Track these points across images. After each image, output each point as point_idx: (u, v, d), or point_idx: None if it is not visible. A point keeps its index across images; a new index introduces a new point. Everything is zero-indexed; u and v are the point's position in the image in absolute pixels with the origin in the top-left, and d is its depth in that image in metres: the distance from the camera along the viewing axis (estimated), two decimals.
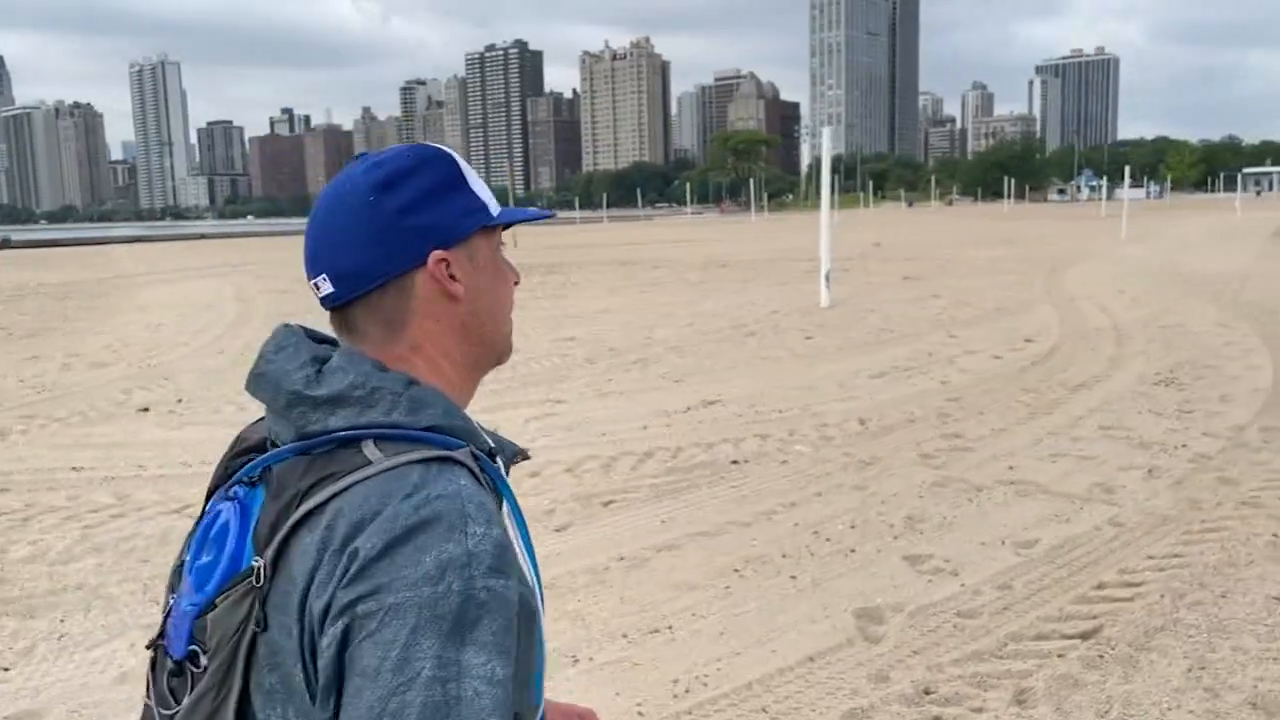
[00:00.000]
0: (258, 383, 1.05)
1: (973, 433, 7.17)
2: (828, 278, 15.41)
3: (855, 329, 12.79)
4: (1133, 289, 16.96)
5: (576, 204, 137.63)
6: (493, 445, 1.07)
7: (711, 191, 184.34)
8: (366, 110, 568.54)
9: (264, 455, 1.03)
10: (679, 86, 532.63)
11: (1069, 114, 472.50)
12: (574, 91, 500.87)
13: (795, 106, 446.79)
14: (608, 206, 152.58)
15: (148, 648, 1.10)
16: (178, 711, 1.01)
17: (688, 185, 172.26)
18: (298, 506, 0.95)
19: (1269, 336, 11.24)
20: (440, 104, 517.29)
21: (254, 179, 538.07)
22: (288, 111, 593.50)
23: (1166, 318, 13.09)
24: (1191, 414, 7.54)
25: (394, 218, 1.04)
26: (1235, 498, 5.50)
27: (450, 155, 1.10)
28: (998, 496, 5.67)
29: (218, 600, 0.98)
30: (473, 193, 1.10)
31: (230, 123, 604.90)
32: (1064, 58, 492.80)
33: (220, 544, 1.01)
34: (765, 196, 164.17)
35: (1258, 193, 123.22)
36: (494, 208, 1.11)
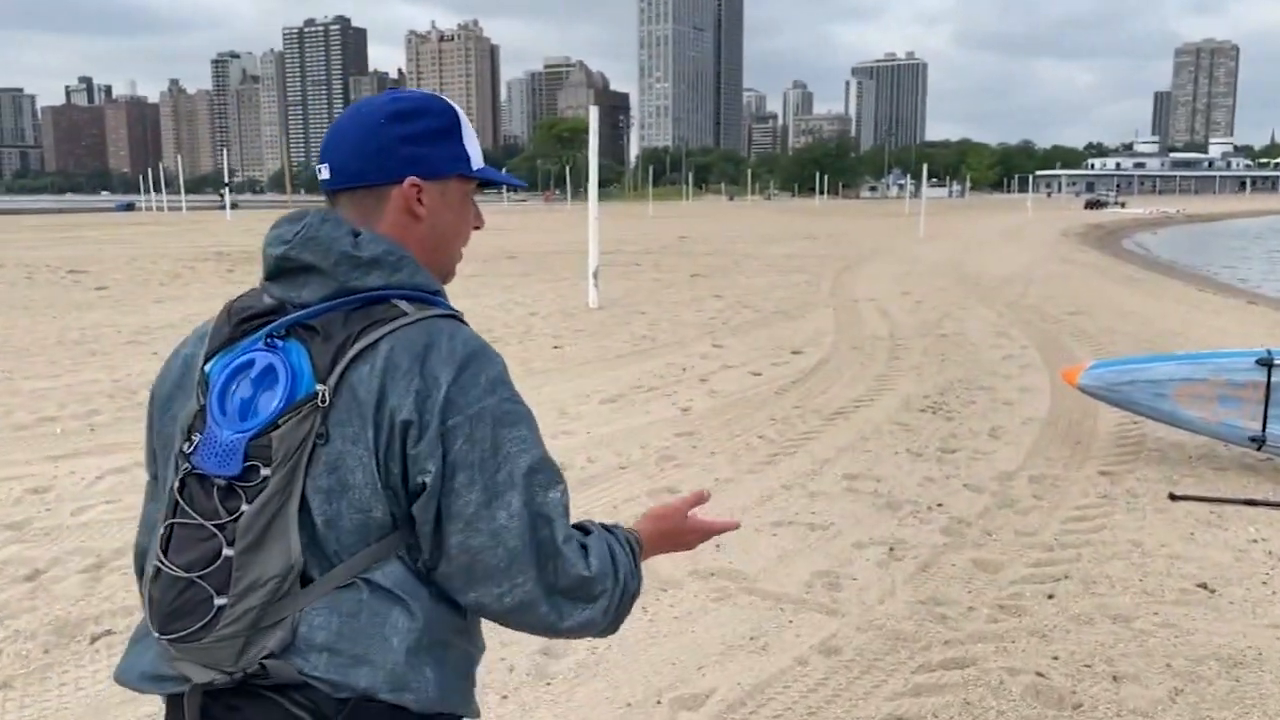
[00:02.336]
0: (306, 245, 1.29)
1: (692, 484, 5.61)
2: (595, 277, 13.79)
3: (615, 336, 11.21)
4: (919, 290, 16.18)
5: None
6: (461, 316, 1.38)
7: (540, 179, 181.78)
8: (174, 82, 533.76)
9: (289, 315, 1.28)
10: (509, 72, 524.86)
11: (882, 115, 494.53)
12: (399, 72, 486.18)
13: (625, 97, 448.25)
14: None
15: (179, 481, 1.27)
16: (238, 517, 1.22)
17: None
18: (353, 344, 1.24)
19: (1046, 347, 10.34)
20: (256, 79, 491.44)
21: (46, 151, 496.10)
22: (86, 80, 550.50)
23: (947, 324, 12.15)
24: (955, 455, 6.26)
25: (395, 143, 1.34)
26: (991, 597, 4.11)
27: (455, 111, 1.40)
28: (684, 602, 4.08)
29: (280, 421, 1.22)
30: (463, 145, 1.40)
31: (20, 90, 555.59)
32: (878, 61, 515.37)
33: (268, 382, 1.24)
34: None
35: (1048, 194, 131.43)
36: (476, 163, 1.41)
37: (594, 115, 13.29)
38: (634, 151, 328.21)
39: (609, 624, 1.36)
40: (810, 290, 16.38)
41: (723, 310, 13.63)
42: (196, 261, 21.20)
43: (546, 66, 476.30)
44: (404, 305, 1.28)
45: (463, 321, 1.33)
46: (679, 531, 1.55)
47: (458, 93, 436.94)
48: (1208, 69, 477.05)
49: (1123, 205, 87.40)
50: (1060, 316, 12.70)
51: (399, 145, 1.33)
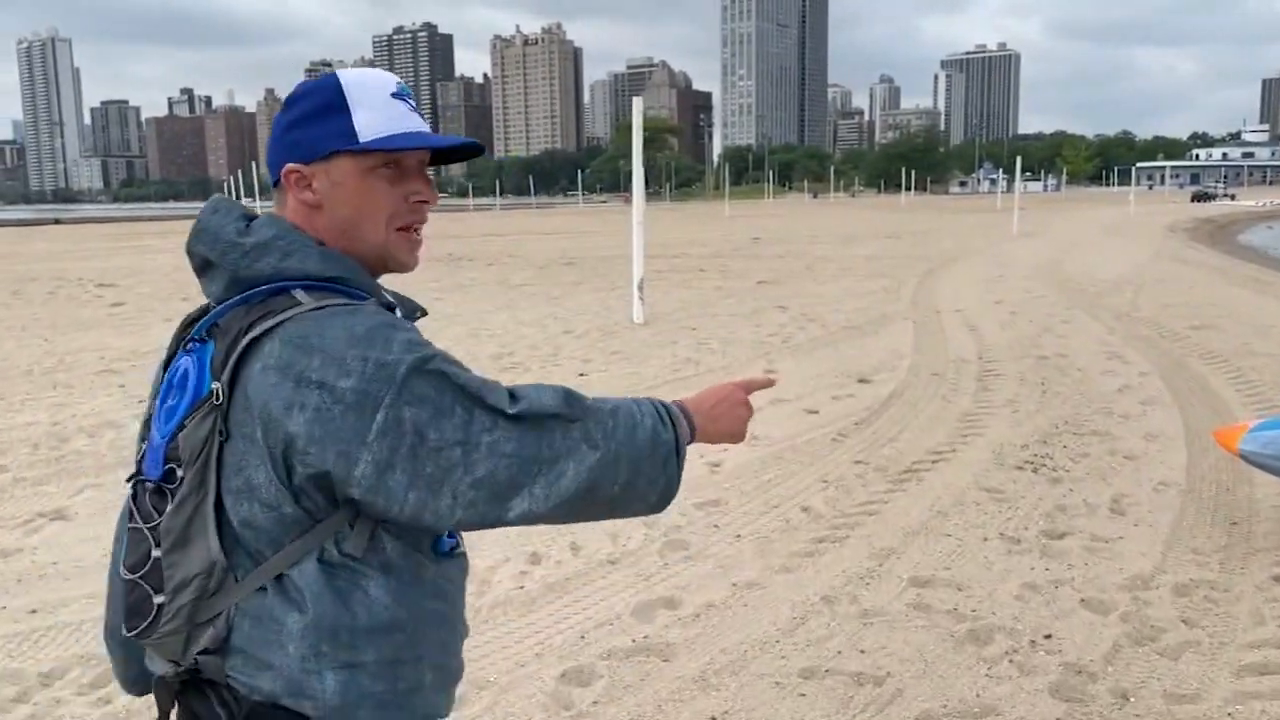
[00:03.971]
0: (198, 238, 1.29)
1: (698, 594, 4.15)
2: (641, 289, 12.35)
3: (654, 360, 9.75)
4: (1012, 298, 14.32)
5: (498, 189, 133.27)
6: (391, 300, 1.32)
7: (622, 180, 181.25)
8: (270, 92, 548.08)
9: (207, 315, 1.27)
10: (591, 74, 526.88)
11: (972, 108, 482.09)
12: (485, 76, 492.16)
13: (707, 96, 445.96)
14: (531, 193, 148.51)
15: (127, 481, 1.34)
16: (161, 520, 1.24)
17: (580, 173, 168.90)
18: (243, 338, 1.19)
19: (1171, 375, 8.54)
20: None
21: (151, 161, 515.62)
22: (187, 92, 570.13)
23: (1046, 342, 10.37)
24: (1065, 542, 4.64)
25: (280, 132, 1.31)
26: None
27: (337, 86, 1.29)
28: None
29: (186, 422, 1.22)
30: (346, 119, 1.28)
31: (126, 103, 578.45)
32: (968, 53, 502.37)
33: (184, 386, 1.25)
34: (672, 185, 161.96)
35: (1149, 187, 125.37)
36: (370, 134, 1.27)
37: (637, 107, 11.91)
38: (717, 150, 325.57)
39: (627, 466, 1.27)
40: (888, 299, 14.66)
41: (785, 325, 12.05)
42: None
43: (629, 67, 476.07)
44: (300, 295, 1.22)
45: (388, 308, 1.29)
46: (718, 389, 1.45)
47: (541, 96, 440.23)
48: None
49: (1232, 197, 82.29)
50: (1183, 332, 10.79)
51: (283, 135, 1.31)
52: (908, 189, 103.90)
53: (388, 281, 1.39)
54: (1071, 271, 18.63)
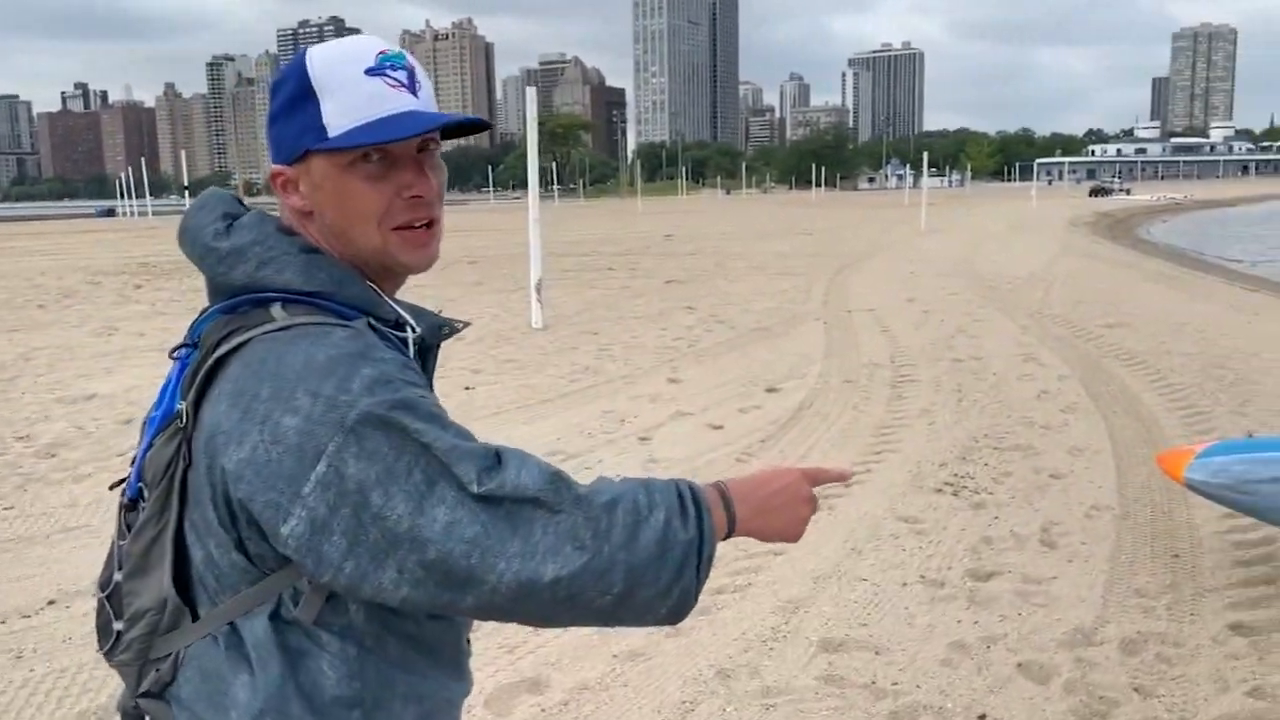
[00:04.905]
0: (181, 239, 1.18)
1: (562, 684, 3.46)
2: (539, 291, 11.60)
3: (549, 369, 9.03)
4: (924, 295, 13.97)
5: None
6: (404, 317, 1.16)
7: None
8: (170, 86, 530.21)
9: (199, 320, 1.16)
10: (504, 69, 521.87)
11: (879, 105, 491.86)
12: None
13: (621, 92, 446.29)
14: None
15: (111, 488, 1.25)
16: (125, 542, 1.15)
17: (491, 169, 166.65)
18: (210, 355, 1.07)
19: (1091, 378, 8.14)
20: (251, 81, 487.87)
21: (44, 158, 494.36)
22: (82, 86, 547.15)
23: (960, 343, 9.96)
24: (993, 585, 4.07)
25: (267, 129, 1.17)
26: None
27: (299, 70, 1.11)
28: None
29: (155, 441, 1.13)
30: (315, 111, 1.10)
31: (16, 98, 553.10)
32: (874, 51, 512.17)
33: (163, 398, 1.16)
34: (587, 182, 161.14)
35: (1049, 182, 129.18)
36: (336, 129, 1.09)
37: (530, 97, 11.13)
38: (631, 146, 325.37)
39: (613, 573, 1.03)
40: (799, 298, 14.19)
41: (692, 328, 11.44)
42: (110, 275, 18.98)
43: (542, 63, 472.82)
44: (276, 311, 1.09)
45: (362, 328, 1.10)
46: (781, 476, 1.21)
47: (453, 91, 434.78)
48: (1205, 53, 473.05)
49: (1128, 192, 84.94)
50: (1097, 331, 10.49)
51: (268, 133, 1.17)
52: (818, 185, 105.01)
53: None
54: (982, 268, 18.47)
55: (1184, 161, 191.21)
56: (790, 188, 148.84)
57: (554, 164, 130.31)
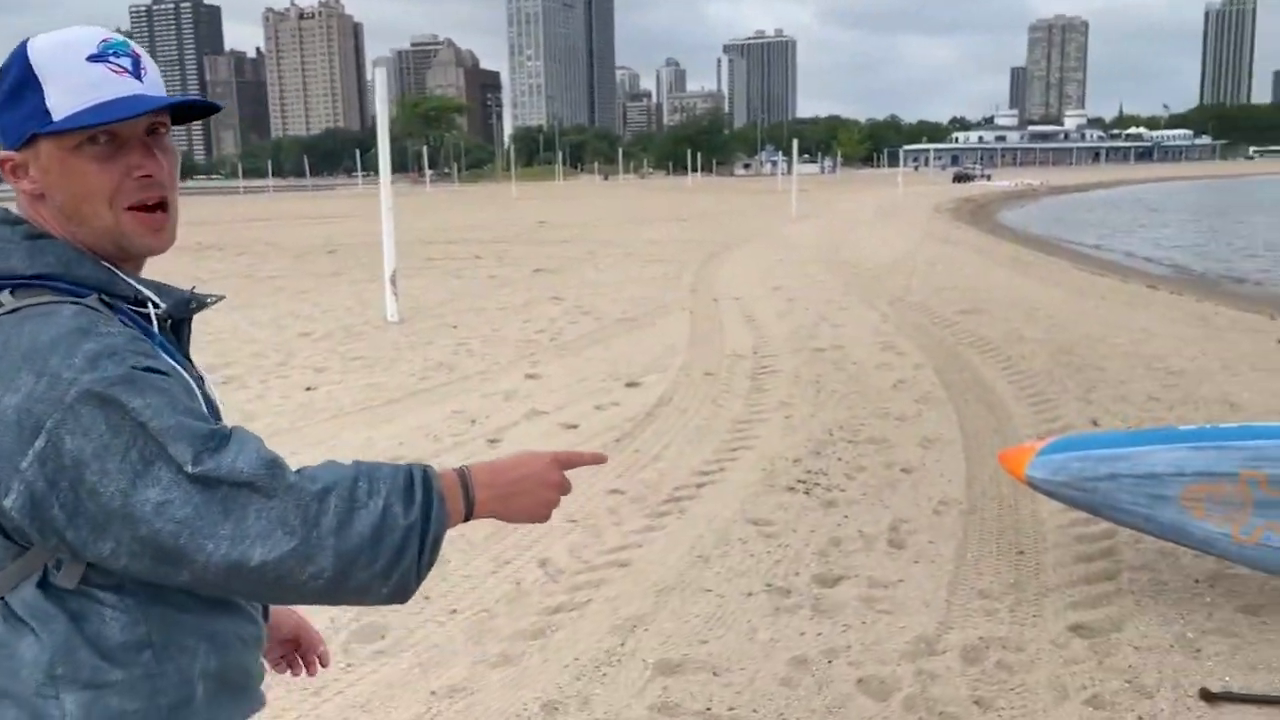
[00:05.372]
0: None
1: None
2: (394, 282, 11.12)
3: (401, 365, 8.61)
4: (790, 283, 14.03)
5: (274, 170, 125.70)
6: (144, 293, 1.18)
7: (410, 160, 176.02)
8: None
9: None
10: (374, 50, 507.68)
11: (754, 91, 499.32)
12: (258, 51, 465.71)
13: (496, 76, 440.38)
14: (308, 174, 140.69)
15: None
16: None
17: (361, 153, 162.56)
18: None
19: (945, 367, 8.21)
20: None
21: None
22: None
23: (823, 332, 9.96)
24: (839, 591, 3.94)
25: None
26: None
27: (21, 59, 1.14)
28: None
29: None
30: (39, 97, 1.12)
31: None
32: (748, 38, 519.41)
33: None
34: (462, 166, 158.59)
35: (915, 168, 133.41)
36: (60, 112, 1.12)
37: (380, 78, 10.59)
38: (508, 131, 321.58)
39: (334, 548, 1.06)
40: (668, 286, 14.06)
41: (556, 319, 11.15)
42: None
43: (414, 45, 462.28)
44: (4, 296, 1.12)
45: (93, 303, 1.12)
46: (528, 461, 1.26)
47: (320, 72, 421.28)
48: (1060, 44, 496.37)
49: (988, 178, 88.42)
50: (953, 318, 10.66)
51: None
52: (694, 170, 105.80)
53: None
54: (848, 254, 18.73)
55: (1040, 148, 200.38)
56: (668, 173, 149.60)
57: (426, 147, 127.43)
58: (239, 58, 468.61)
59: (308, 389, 7.66)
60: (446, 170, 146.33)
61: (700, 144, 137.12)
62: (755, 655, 3.44)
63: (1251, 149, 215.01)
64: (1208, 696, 3.07)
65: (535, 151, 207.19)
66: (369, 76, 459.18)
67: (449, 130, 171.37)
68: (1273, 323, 10.87)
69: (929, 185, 73.21)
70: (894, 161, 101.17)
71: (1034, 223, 36.05)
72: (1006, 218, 39.12)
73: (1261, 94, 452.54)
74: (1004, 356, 8.51)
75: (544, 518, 1.27)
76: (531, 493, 1.24)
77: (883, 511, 4.85)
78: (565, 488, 1.28)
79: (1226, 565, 3.88)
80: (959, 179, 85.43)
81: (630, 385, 7.74)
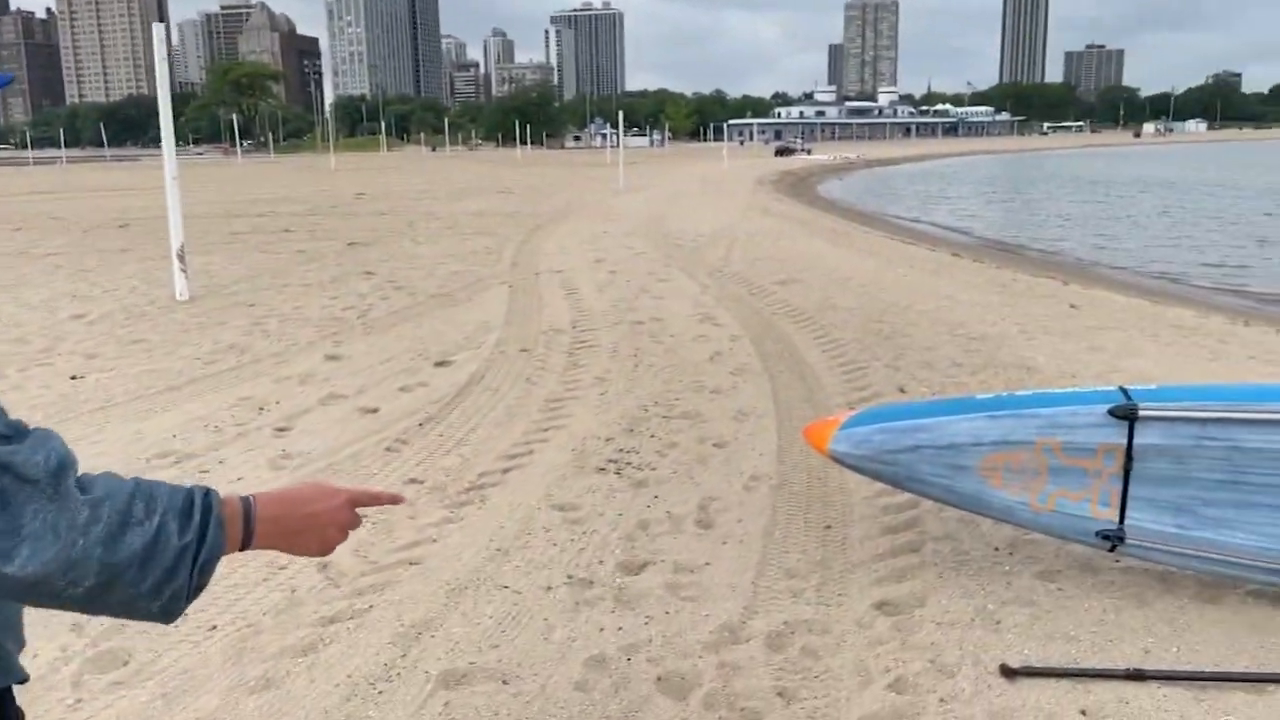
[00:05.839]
0: None
1: None
2: (182, 259, 10.22)
3: (187, 348, 7.88)
4: (613, 256, 13.84)
5: (67, 141, 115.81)
6: None
7: (223, 130, 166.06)
8: None
9: None
10: (179, 12, 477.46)
11: (583, 64, 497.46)
12: (49, 11, 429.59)
13: (314, 42, 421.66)
14: (106, 144, 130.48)
15: None
16: None
17: (161, 123, 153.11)
18: None
19: (762, 337, 8.18)
20: None
21: None
22: None
23: (643, 304, 9.80)
24: (643, 579, 3.72)
25: None
26: None
27: None
28: None
29: None
30: None
31: None
32: (575, 10, 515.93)
33: None
34: (280, 136, 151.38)
35: (741, 142, 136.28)
36: None
37: (158, 33, 9.66)
38: (328, 100, 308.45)
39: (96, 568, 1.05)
40: (489, 260, 13.60)
41: (366, 296, 10.56)
42: None
43: (224, 8, 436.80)
44: None
45: None
46: (319, 498, 1.25)
47: (120, 35, 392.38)
48: (873, 22, 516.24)
49: (809, 152, 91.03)
50: (771, 288, 10.70)
51: None
52: (525, 143, 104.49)
53: None
54: (672, 227, 18.70)
55: (857, 124, 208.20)
56: (497, 145, 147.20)
57: (239, 116, 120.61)
58: (27, 18, 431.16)
59: (73, 377, 6.87)
60: (262, 140, 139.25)
61: (530, 116, 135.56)
62: (550, 658, 3.17)
63: (1045, 125, 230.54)
64: (1007, 672, 3.01)
65: (358, 122, 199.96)
66: (175, 41, 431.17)
67: (264, 98, 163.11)
68: (1065, 288, 11.45)
69: (753, 159, 74.75)
70: (720, 135, 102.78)
71: (851, 195, 37.27)
72: (826, 190, 40.29)
73: (1054, 73, 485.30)
74: (818, 326, 8.55)
75: (325, 554, 1.26)
76: (318, 531, 1.24)
77: (693, 490, 4.68)
78: (354, 525, 1.28)
79: (1024, 531, 3.88)
80: (781, 153, 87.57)
81: (440, 364, 7.33)
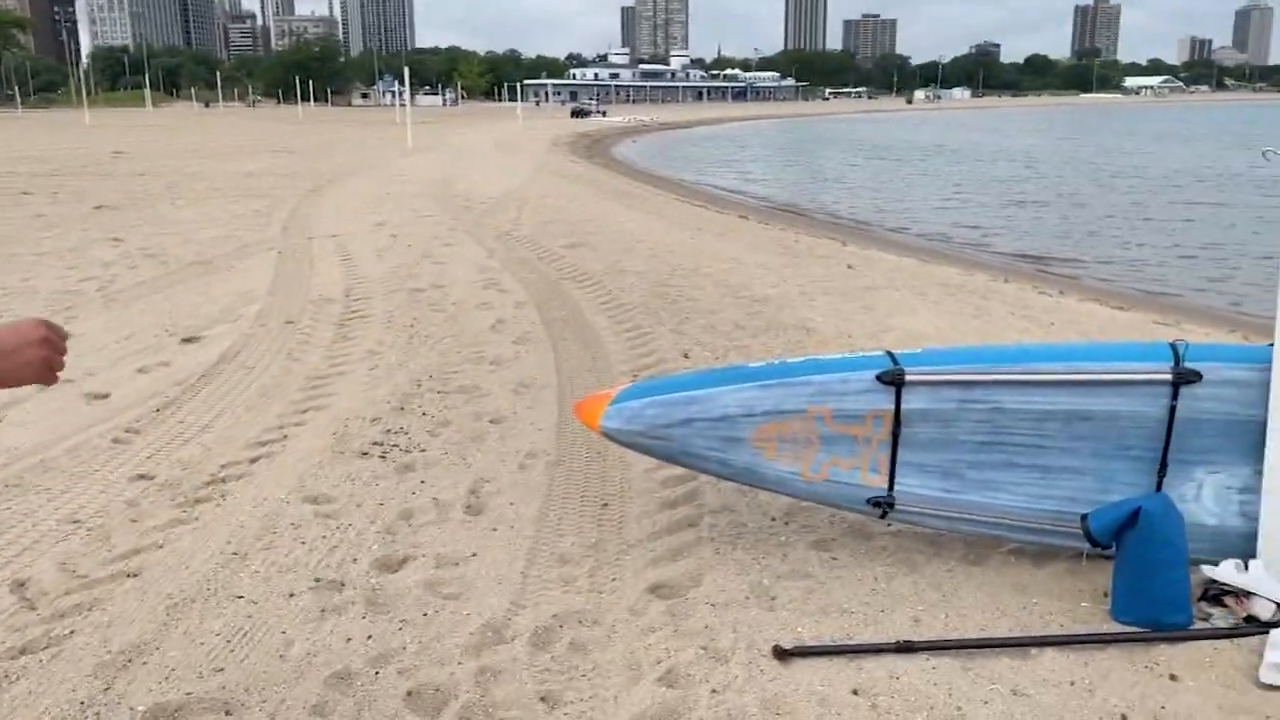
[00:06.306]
0: None
1: None
2: None
3: None
4: (396, 219, 13.16)
5: None
6: None
7: None
8: None
9: None
10: None
11: (370, 19, 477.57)
12: None
13: None
14: None
15: None
16: None
17: None
18: None
19: (546, 303, 7.90)
20: None
21: None
22: None
23: (424, 270, 9.30)
24: (402, 576, 3.38)
25: None
26: None
27: None
28: None
29: None
30: None
31: None
32: None
33: None
34: (30, 90, 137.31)
35: (536, 103, 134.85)
36: None
37: None
38: (86, 51, 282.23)
39: None
40: (258, 224, 12.63)
41: (111, 264, 9.53)
42: None
43: None
44: None
45: None
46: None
47: None
48: None
49: (604, 114, 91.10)
50: (560, 252, 10.43)
51: None
52: (308, 100, 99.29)
53: None
54: (460, 188, 18.07)
55: (651, 86, 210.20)
56: (279, 102, 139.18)
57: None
58: None
59: None
60: (10, 94, 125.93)
61: (313, 71, 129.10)
62: (285, 678, 2.79)
63: (827, 90, 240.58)
64: (780, 654, 2.87)
65: (120, 75, 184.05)
66: None
67: (9, 48, 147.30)
68: (844, 249, 11.77)
69: (549, 120, 74.05)
70: (515, 96, 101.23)
71: (645, 157, 37.45)
72: (619, 152, 40.32)
73: (834, 41, 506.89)
74: (605, 290, 8.35)
75: (45, 379, 1.35)
76: (16, 352, 1.31)
77: (464, 472, 4.35)
78: (55, 343, 1.36)
79: (801, 500, 3.79)
80: (577, 114, 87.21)
81: (188, 340, 6.63)
